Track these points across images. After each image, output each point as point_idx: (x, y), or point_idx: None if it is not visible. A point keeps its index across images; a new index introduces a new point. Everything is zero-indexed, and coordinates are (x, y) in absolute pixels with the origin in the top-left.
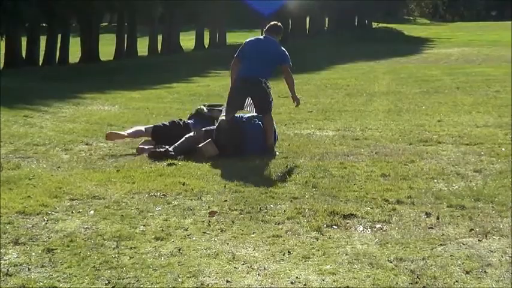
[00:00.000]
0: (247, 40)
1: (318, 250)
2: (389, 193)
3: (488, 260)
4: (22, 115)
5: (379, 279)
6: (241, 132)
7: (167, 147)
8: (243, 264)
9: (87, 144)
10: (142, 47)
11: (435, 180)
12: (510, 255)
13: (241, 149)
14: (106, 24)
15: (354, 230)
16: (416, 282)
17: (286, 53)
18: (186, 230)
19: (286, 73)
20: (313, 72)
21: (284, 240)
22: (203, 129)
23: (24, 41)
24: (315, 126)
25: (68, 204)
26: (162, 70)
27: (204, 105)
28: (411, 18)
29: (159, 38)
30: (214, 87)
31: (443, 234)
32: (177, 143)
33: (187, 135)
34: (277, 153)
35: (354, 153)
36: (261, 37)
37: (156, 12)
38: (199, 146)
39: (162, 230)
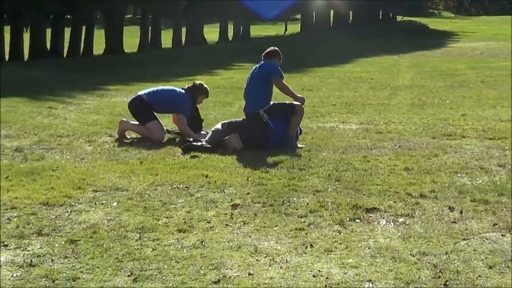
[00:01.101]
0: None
1: (341, 243)
2: (413, 187)
3: None
4: (46, 106)
5: (401, 273)
6: (266, 126)
7: (202, 141)
8: (265, 256)
9: (110, 136)
10: (166, 39)
11: (459, 175)
12: None
13: (265, 143)
14: (130, 16)
15: (377, 223)
16: (439, 277)
17: (276, 66)
18: (209, 222)
19: (278, 85)
20: (337, 66)
21: (306, 233)
22: (227, 121)
23: (48, 33)
24: (338, 120)
25: (91, 195)
26: (185, 62)
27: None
28: (436, 11)
29: (183, 30)
30: (237, 80)
31: (466, 229)
32: (207, 137)
33: (213, 128)
34: (298, 145)
35: (377, 146)
36: (257, 65)
37: (180, 6)
38: (224, 138)
39: (185, 222)
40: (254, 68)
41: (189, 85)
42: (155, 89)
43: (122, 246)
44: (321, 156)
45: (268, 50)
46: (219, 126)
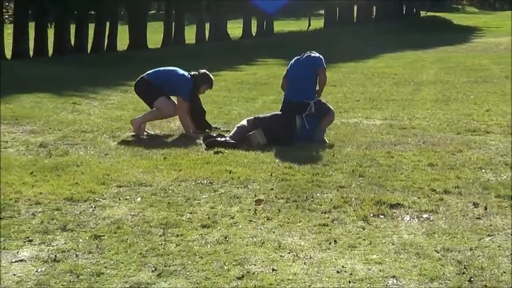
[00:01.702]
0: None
1: (364, 239)
2: (437, 183)
3: None
4: (70, 102)
5: (425, 269)
6: (294, 125)
7: (226, 136)
8: (289, 252)
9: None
10: (190, 34)
11: (483, 170)
12: None
13: (291, 139)
14: (154, 12)
15: (401, 219)
16: (463, 273)
17: (323, 59)
18: (233, 218)
19: (321, 75)
20: (361, 61)
21: (330, 229)
22: (253, 117)
23: (72, 28)
24: (362, 115)
25: (115, 191)
26: (209, 58)
27: None
28: (460, 7)
29: (207, 26)
30: (261, 76)
31: (491, 225)
32: (232, 132)
33: (238, 124)
34: (326, 140)
35: (401, 142)
36: (300, 57)
37: (204, 1)
38: (248, 134)
39: (209, 217)
40: (298, 58)
41: (195, 72)
42: (158, 69)
43: (146, 242)
44: (345, 152)
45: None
46: (244, 122)
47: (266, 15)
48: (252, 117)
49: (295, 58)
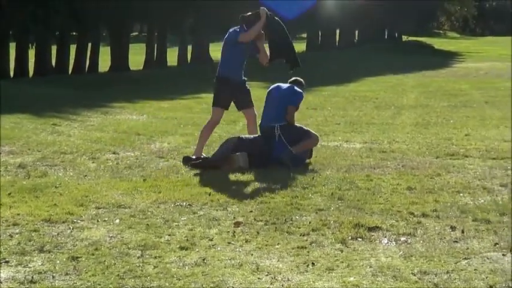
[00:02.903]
0: None
1: (342, 262)
2: (415, 206)
3: None
4: (50, 123)
5: None
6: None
7: (209, 157)
8: (267, 275)
9: (114, 153)
10: (172, 56)
11: (461, 194)
12: None
13: (270, 160)
14: (136, 33)
15: (379, 242)
16: None
17: (300, 97)
18: (211, 240)
19: (289, 114)
20: (342, 85)
21: (308, 252)
22: (237, 136)
23: (54, 49)
24: (342, 139)
25: (94, 212)
26: (191, 80)
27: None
28: (441, 31)
29: (189, 48)
30: None
31: (467, 248)
32: (215, 151)
33: (222, 143)
34: (289, 163)
35: (380, 165)
36: (280, 84)
37: (187, 23)
38: (232, 154)
39: (187, 239)
40: (276, 86)
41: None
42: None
43: (124, 264)
44: (324, 175)
45: (295, 78)
46: (228, 141)
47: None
48: (236, 137)
49: (277, 85)
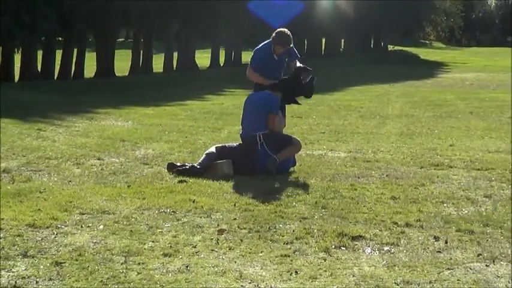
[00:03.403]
0: None
1: (326, 271)
2: (399, 216)
3: (495, 286)
4: (35, 128)
5: None
6: (257, 151)
7: (193, 164)
8: (250, 282)
9: (99, 159)
10: (158, 63)
11: (445, 205)
12: None
13: (254, 169)
14: (122, 39)
15: (362, 251)
16: None
17: (277, 103)
18: (195, 247)
19: (270, 121)
20: (327, 94)
21: (292, 260)
22: (221, 145)
23: (39, 54)
24: (327, 147)
25: (78, 218)
26: (176, 87)
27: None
28: (427, 42)
29: (175, 54)
30: (227, 106)
31: (451, 259)
32: (200, 159)
33: (207, 151)
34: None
35: (364, 175)
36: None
37: (172, 30)
38: (215, 162)
39: (171, 246)
40: (252, 93)
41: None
42: None
43: (107, 270)
44: (309, 184)
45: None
46: (213, 149)
47: (235, 45)
48: (220, 145)
49: (253, 93)
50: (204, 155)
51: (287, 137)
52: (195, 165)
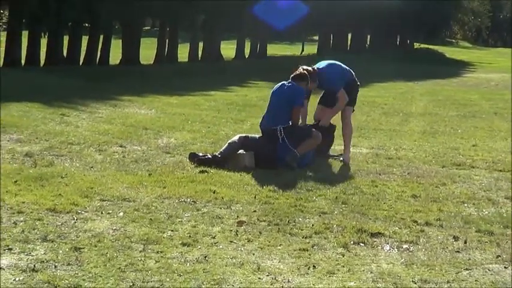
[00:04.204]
0: None
1: (343, 266)
2: (419, 214)
3: None
4: (59, 113)
5: None
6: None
7: (215, 153)
8: (268, 275)
9: (121, 146)
10: (183, 53)
11: (465, 205)
12: None
13: (275, 162)
14: (148, 28)
15: (381, 248)
16: None
17: (302, 94)
18: (214, 237)
19: (294, 114)
20: None
21: (310, 254)
22: (244, 135)
23: (66, 39)
24: None
25: (98, 204)
26: (200, 77)
27: None
28: (453, 40)
29: (200, 45)
30: (251, 98)
31: (469, 259)
32: (222, 148)
33: (230, 140)
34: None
35: (386, 172)
36: (282, 83)
37: (199, 20)
38: (238, 152)
39: (190, 236)
40: (280, 85)
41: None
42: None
43: (126, 257)
44: (330, 179)
45: (297, 72)
46: (236, 138)
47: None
48: (244, 135)
49: (280, 84)
50: (226, 144)
51: (307, 130)
52: (216, 154)
